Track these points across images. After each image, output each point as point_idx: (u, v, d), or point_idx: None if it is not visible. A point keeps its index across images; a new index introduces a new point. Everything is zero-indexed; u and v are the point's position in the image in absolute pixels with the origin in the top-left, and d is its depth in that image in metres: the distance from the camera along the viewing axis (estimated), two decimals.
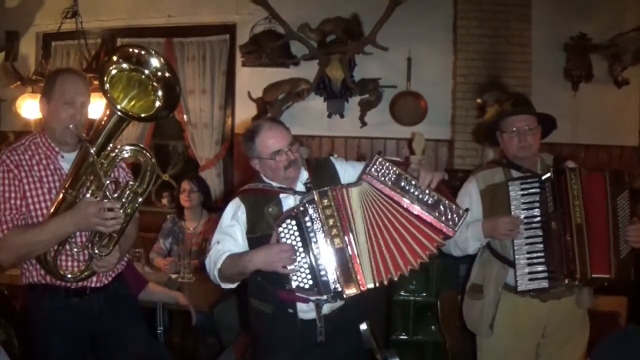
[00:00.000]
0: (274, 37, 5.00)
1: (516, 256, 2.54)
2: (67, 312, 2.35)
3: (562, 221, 2.49)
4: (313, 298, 2.23)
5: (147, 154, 2.18)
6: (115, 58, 2.04)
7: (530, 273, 2.52)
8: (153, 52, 2.11)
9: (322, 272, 2.13)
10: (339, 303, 2.28)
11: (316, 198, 2.11)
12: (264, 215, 2.28)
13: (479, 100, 4.65)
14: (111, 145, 2.15)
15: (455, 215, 2.08)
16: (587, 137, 4.87)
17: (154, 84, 2.10)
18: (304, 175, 2.37)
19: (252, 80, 5.16)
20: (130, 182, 2.23)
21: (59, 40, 5.59)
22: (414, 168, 2.17)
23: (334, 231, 2.11)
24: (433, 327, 3.79)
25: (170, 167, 5.72)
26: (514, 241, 2.54)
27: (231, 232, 2.32)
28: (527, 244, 2.53)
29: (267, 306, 2.34)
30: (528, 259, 2.52)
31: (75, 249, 2.28)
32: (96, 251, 2.21)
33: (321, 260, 2.12)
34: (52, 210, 2.22)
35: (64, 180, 2.23)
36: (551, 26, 4.80)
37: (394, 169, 2.10)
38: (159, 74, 2.10)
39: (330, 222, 2.11)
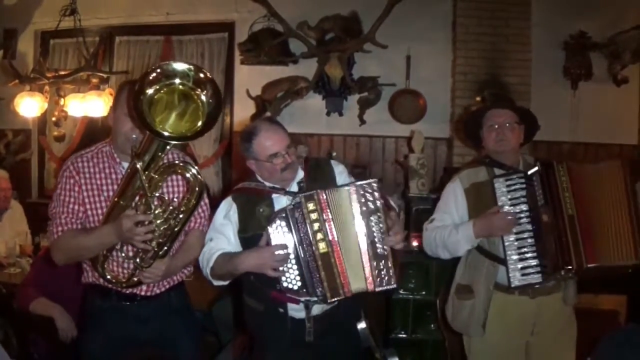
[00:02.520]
0: (272, 35, 4.99)
1: (507, 252, 2.52)
2: (116, 313, 2.40)
3: (554, 213, 2.50)
4: (302, 299, 2.24)
5: (194, 171, 2.17)
6: (143, 91, 1.97)
7: (522, 268, 2.51)
8: (172, 62, 2.04)
9: (309, 275, 2.14)
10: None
11: (302, 201, 2.11)
12: (255, 215, 2.28)
13: (478, 99, 4.62)
14: (164, 159, 2.17)
15: (386, 280, 2.12)
16: (587, 135, 4.87)
17: (196, 91, 2.03)
18: (300, 174, 2.37)
19: (251, 79, 5.15)
20: (175, 199, 2.27)
21: (57, 38, 5.58)
22: (393, 216, 2.19)
23: (319, 235, 2.11)
24: (432, 325, 3.79)
25: None
26: (504, 238, 2.53)
27: (224, 231, 2.33)
28: (517, 240, 2.53)
29: (259, 304, 2.35)
30: (519, 254, 2.52)
31: (121, 257, 2.34)
32: (138, 261, 2.25)
33: (309, 263, 2.13)
34: (103, 218, 2.29)
35: (116, 190, 2.27)
36: (551, 24, 4.79)
37: (378, 202, 2.11)
38: (195, 76, 2.03)
39: (315, 226, 2.10)
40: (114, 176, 2.35)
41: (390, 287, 2.13)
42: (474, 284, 2.64)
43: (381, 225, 2.10)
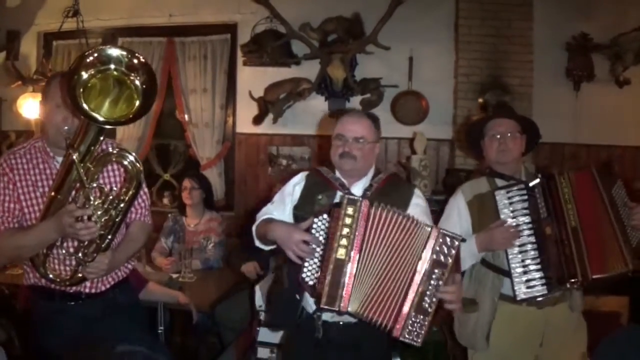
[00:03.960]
0: (275, 37, 5.00)
1: (511, 265, 2.50)
2: (64, 314, 2.34)
3: (557, 225, 2.48)
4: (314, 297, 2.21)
5: (132, 158, 2.14)
6: (77, 74, 1.92)
7: (527, 281, 2.48)
8: (108, 46, 2.00)
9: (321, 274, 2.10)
10: (346, 317, 2.21)
11: (344, 202, 2.03)
12: (313, 200, 2.29)
13: (480, 100, 4.64)
14: (99, 149, 2.12)
15: (415, 335, 1.98)
16: (589, 137, 4.86)
17: (130, 76, 1.99)
18: (368, 184, 2.33)
19: (254, 80, 5.16)
20: (115, 189, 2.22)
21: (60, 40, 5.59)
22: (457, 279, 2.07)
23: (343, 241, 2.01)
24: (434, 327, 3.78)
25: (171, 166, 5.71)
26: (507, 250, 2.51)
27: (285, 200, 2.38)
28: (521, 252, 2.50)
29: (286, 280, 2.30)
30: (523, 267, 2.49)
31: (62, 254, 2.28)
32: (80, 256, 2.20)
33: (324, 262, 2.07)
34: (41, 214, 2.23)
35: (52, 185, 2.23)
36: (553, 26, 4.79)
37: (450, 258, 1.98)
38: (128, 62, 1.98)
39: (344, 231, 2.01)
40: (48, 171, 2.30)
41: (415, 344, 2.00)
42: (479, 297, 2.61)
43: (440, 281, 1.98)
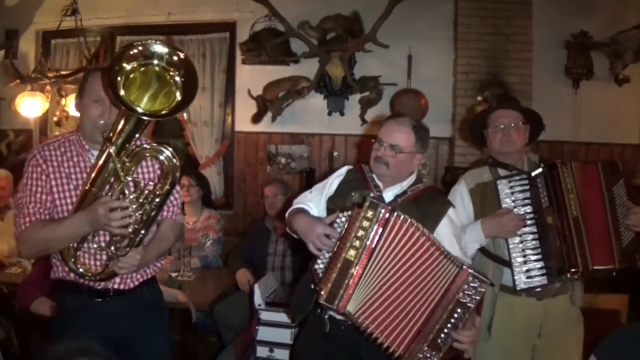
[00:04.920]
0: (274, 35, 4.99)
1: (512, 255, 2.52)
2: (88, 312, 2.31)
3: (559, 215, 2.49)
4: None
5: (168, 153, 2.12)
6: (120, 65, 1.97)
7: (527, 271, 2.50)
8: (153, 41, 2.03)
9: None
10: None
11: (366, 205, 2.00)
12: (347, 195, 2.29)
13: (479, 98, 4.64)
14: (134, 143, 2.13)
15: None
16: (588, 134, 4.87)
17: (170, 72, 2.03)
18: (401, 190, 2.31)
19: (252, 78, 5.15)
20: (151, 183, 2.21)
21: (58, 38, 5.58)
22: (478, 322, 2.07)
23: (356, 243, 1.99)
24: None
25: None
26: (508, 240, 2.52)
27: (323, 191, 2.39)
28: (522, 242, 2.52)
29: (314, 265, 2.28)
30: (524, 256, 2.51)
31: (93, 248, 2.25)
32: (112, 250, 2.19)
33: (333, 259, 2.06)
34: (74, 207, 2.23)
35: (87, 178, 2.22)
36: (552, 23, 4.79)
37: (474, 301, 1.94)
38: (169, 59, 2.02)
39: (360, 233, 1.98)
40: (82, 164, 2.29)
41: None
42: None
43: (459, 322, 1.94)
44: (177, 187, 2.47)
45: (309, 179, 4.72)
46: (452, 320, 1.94)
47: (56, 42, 5.67)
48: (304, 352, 2.48)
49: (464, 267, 1.94)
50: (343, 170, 2.43)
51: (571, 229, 2.47)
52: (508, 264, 2.54)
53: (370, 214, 1.98)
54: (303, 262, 2.47)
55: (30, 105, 5.05)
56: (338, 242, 2.06)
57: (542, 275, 2.49)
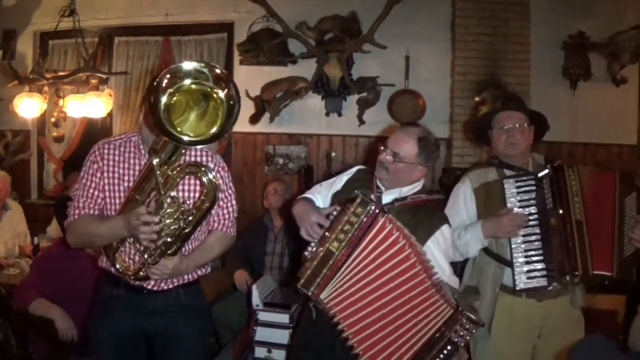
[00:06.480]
0: (271, 36, 5.00)
1: (514, 254, 2.51)
2: (123, 302, 2.38)
3: (562, 217, 2.49)
4: None
5: (211, 176, 2.13)
6: (158, 100, 1.90)
7: (528, 271, 2.49)
8: (181, 64, 1.95)
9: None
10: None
11: (357, 201, 2.03)
12: (350, 192, 2.29)
13: (477, 99, 4.64)
14: (182, 158, 2.20)
15: None
16: (586, 135, 4.88)
17: (212, 88, 1.96)
18: (401, 195, 2.33)
19: (250, 79, 5.15)
20: (189, 201, 2.27)
21: (56, 39, 5.57)
22: (462, 356, 2.12)
23: (341, 236, 2.03)
24: None
25: None
26: (511, 240, 2.52)
27: (331, 186, 2.45)
28: (524, 242, 2.51)
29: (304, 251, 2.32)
30: (526, 257, 2.50)
31: (132, 250, 2.32)
32: (146, 257, 2.23)
33: (316, 249, 2.10)
34: (119, 208, 2.29)
35: (134, 183, 2.27)
36: (550, 24, 4.80)
37: (464, 340, 1.98)
38: (209, 74, 1.95)
39: (346, 227, 2.02)
40: (137, 167, 2.33)
41: None
42: (481, 285, 2.62)
43: (447, 358, 2.00)
44: (233, 201, 2.55)
45: (308, 176, 4.74)
46: (441, 356, 1.98)
47: (54, 42, 5.66)
48: (297, 336, 2.58)
49: (460, 308, 1.97)
50: (354, 169, 2.48)
51: (574, 232, 2.47)
52: (509, 263, 2.54)
53: (359, 210, 2.02)
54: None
55: (28, 106, 5.04)
56: (325, 233, 2.10)
57: (543, 277, 2.49)
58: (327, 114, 5.15)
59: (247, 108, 5.16)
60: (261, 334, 3.25)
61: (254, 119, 5.17)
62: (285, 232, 4.09)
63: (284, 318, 3.22)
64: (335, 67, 4.89)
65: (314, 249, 2.14)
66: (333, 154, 5.11)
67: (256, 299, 3.33)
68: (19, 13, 5.74)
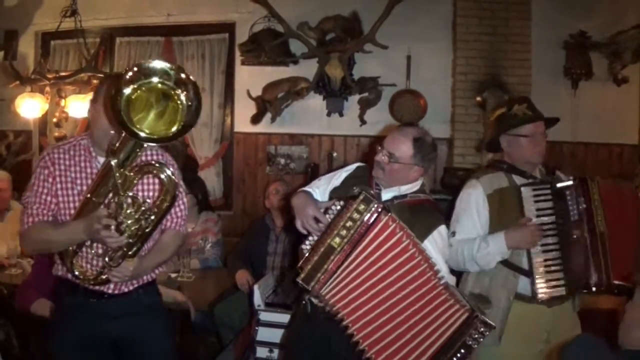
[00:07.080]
0: (273, 36, 5.00)
1: (534, 264, 2.48)
2: (85, 310, 2.34)
3: (589, 230, 2.48)
4: None
5: (169, 172, 2.13)
6: (120, 90, 1.91)
7: (548, 281, 2.47)
8: (150, 61, 1.98)
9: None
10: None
11: (360, 198, 2.05)
12: (349, 189, 2.29)
13: (478, 99, 4.65)
14: (141, 157, 2.17)
15: None
16: (587, 135, 4.87)
17: (174, 89, 1.97)
18: (400, 193, 2.33)
19: (252, 79, 5.16)
20: (148, 200, 2.23)
21: (58, 39, 5.59)
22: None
23: (343, 232, 2.04)
24: None
25: None
26: (530, 249, 2.49)
27: (330, 180, 2.44)
28: (544, 252, 2.49)
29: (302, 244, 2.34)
30: (546, 267, 2.48)
31: (90, 254, 2.29)
32: (107, 260, 2.21)
33: (319, 244, 2.11)
34: (75, 213, 2.26)
35: (89, 186, 2.24)
36: (551, 24, 4.80)
37: (476, 343, 2.01)
38: (172, 75, 1.96)
39: (348, 224, 2.03)
40: (88, 170, 2.30)
41: None
42: (492, 294, 2.57)
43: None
44: (184, 199, 2.49)
45: (314, 175, 4.74)
46: (454, 359, 2.00)
47: (55, 43, 5.67)
48: (291, 331, 2.57)
49: (473, 311, 1.99)
50: (353, 166, 2.48)
51: (597, 244, 2.46)
52: (526, 272, 2.51)
53: (362, 207, 2.03)
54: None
55: (30, 106, 5.05)
56: (327, 228, 2.11)
57: (563, 286, 2.48)
58: (329, 114, 5.15)
59: (248, 108, 5.18)
60: (263, 334, 3.25)
61: (256, 119, 5.17)
62: (286, 233, 4.09)
63: (285, 318, 3.22)
64: (336, 67, 4.89)
65: (314, 243, 2.15)
66: (334, 154, 5.11)
67: (258, 299, 3.33)
68: (20, 13, 5.74)
